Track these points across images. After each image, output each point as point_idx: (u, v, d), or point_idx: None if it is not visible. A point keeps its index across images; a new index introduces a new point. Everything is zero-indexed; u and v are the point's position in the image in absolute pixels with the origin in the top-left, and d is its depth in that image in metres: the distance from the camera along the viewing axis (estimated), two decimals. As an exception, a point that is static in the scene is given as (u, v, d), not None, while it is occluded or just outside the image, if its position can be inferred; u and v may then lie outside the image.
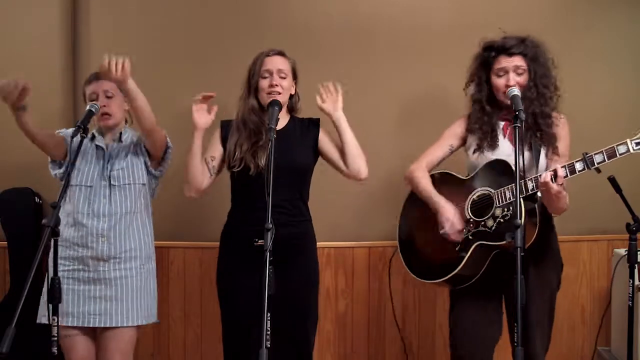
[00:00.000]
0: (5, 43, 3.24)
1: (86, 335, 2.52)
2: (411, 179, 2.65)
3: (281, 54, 2.57)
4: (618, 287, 3.20)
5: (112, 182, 2.51)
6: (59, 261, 2.40)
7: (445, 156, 2.66)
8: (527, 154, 2.47)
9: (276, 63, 2.53)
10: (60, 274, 2.38)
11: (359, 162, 2.55)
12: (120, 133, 2.60)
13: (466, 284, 2.52)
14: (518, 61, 2.47)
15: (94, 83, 2.56)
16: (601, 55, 3.39)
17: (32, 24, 3.24)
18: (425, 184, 2.59)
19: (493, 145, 2.52)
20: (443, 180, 2.62)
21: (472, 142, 2.59)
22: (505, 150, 2.51)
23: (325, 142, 2.62)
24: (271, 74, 2.51)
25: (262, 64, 2.53)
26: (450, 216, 2.49)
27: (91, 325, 2.49)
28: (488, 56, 2.51)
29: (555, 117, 2.51)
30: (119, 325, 2.49)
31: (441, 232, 2.51)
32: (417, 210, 2.67)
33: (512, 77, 2.46)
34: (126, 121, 2.68)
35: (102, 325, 2.49)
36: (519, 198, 2.09)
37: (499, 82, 2.49)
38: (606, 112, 3.35)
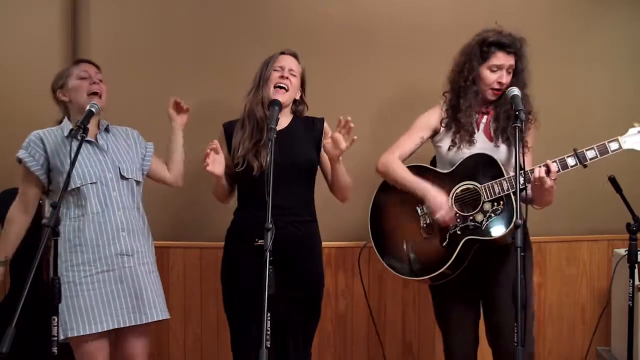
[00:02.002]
0: (5, 43, 3.24)
1: (106, 341, 2.44)
2: (386, 170, 2.57)
3: (295, 55, 2.62)
4: (618, 287, 3.20)
5: (122, 174, 2.49)
6: (79, 267, 2.39)
7: (417, 148, 2.62)
8: (504, 147, 2.48)
9: (289, 62, 2.58)
10: (82, 279, 2.38)
11: (344, 193, 2.60)
12: (107, 126, 2.56)
13: (446, 279, 2.49)
14: (512, 60, 2.47)
15: (83, 64, 2.56)
16: (601, 55, 3.39)
17: (32, 24, 3.24)
18: (405, 174, 2.54)
19: (470, 140, 2.50)
20: (420, 174, 2.54)
21: (446, 136, 2.56)
22: (481, 144, 2.50)
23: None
24: (283, 69, 2.55)
25: (276, 60, 2.57)
26: (442, 200, 2.44)
27: (125, 325, 2.41)
28: (487, 50, 2.48)
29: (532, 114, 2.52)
30: (153, 319, 2.45)
31: (435, 216, 2.44)
32: (392, 205, 2.62)
33: (504, 75, 2.46)
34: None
35: (135, 323, 2.42)
36: (519, 197, 2.06)
37: (491, 77, 2.48)
38: (606, 112, 3.34)
